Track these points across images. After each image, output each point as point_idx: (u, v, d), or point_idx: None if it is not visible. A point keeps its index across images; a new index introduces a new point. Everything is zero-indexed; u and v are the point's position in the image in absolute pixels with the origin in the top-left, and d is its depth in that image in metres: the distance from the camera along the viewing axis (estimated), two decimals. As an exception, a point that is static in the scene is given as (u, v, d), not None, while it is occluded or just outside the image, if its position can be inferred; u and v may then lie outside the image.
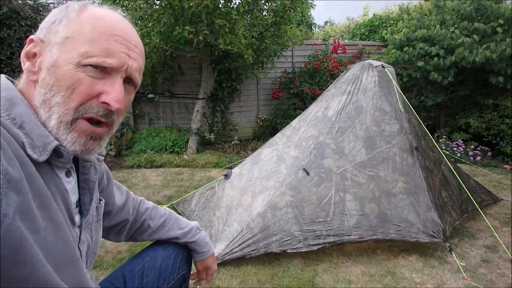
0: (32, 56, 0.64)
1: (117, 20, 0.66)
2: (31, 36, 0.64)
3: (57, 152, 0.62)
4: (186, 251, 1.07)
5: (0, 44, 4.70)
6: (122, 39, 0.64)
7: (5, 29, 4.68)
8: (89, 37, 0.61)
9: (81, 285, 0.64)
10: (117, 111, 0.63)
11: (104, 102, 0.62)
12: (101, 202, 0.83)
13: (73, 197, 0.69)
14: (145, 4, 4.42)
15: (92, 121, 0.63)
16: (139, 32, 4.42)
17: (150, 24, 4.51)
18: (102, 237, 1.01)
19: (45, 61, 0.61)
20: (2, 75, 0.64)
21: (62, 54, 0.60)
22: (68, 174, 0.68)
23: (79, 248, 0.70)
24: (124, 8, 4.77)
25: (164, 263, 0.99)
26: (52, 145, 0.60)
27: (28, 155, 0.57)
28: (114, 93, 0.62)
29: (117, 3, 4.45)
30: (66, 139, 0.61)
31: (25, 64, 0.64)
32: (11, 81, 0.65)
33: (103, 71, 0.62)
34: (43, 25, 0.65)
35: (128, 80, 0.67)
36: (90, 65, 0.60)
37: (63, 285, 0.57)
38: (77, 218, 0.70)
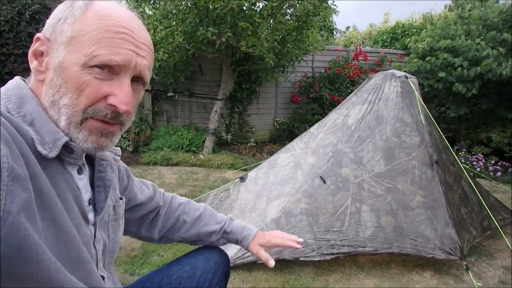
0: (40, 55, 0.63)
1: (123, 16, 0.63)
2: (38, 34, 0.63)
3: (68, 148, 0.62)
4: (226, 265, 1.05)
5: (29, 37, 4.83)
6: (129, 36, 0.61)
7: (33, 24, 4.79)
8: (95, 37, 0.59)
9: (90, 285, 0.62)
10: (125, 113, 0.62)
11: (111, 105, 0.61)
12: (120, 200, 0.83)
13: (85, 195, 0.69)
14: (170, 2, 4.48)
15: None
16: (163, 31, 4.51)
17: (174, 23, 4.57)
18: (134, 236, 1.01)
19: (52, 61, 0.60)
20: (17, 77, 0.65)
21: (68, 54, 0.59)
22: (80, 171, 0.68)
23: (94, 246, 0.69)
24: (151, 5, 4.87)
25: (203, 277, 0.96)
26: (62, 140, 0.60)
27: (37, 151, 0.57)
28: (122, 95, 0.61)
29: (144, 0, 4.54)
30: (78, 137, 0.61)
31: (33, 63, 0.63)
32: (23, 81, 0.65)
33: (111, 71, 0.60)
34: (49, 22, 0.63)
35: (137, 79, 0.66)
36: (96, 66, 0.59)
37: (69, 283, 0.55)
38: (90, 215, 0.69)
